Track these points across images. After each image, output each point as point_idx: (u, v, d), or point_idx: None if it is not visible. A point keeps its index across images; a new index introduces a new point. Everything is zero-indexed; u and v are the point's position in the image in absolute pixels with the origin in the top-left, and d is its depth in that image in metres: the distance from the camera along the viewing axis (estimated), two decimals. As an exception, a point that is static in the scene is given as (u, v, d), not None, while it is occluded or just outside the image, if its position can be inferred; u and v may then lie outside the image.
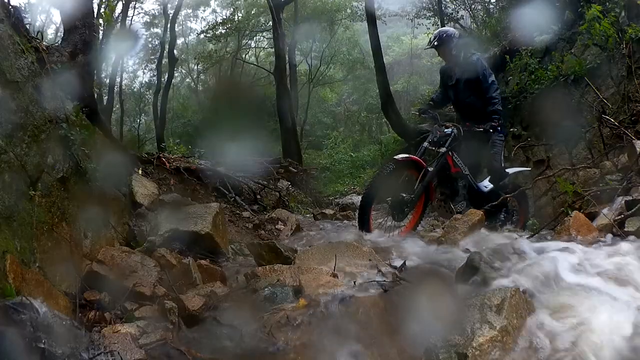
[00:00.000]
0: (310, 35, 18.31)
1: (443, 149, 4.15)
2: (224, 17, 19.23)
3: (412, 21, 15.13)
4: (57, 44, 4.06)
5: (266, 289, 2.28)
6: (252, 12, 19.11)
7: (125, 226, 3.45)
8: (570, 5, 6.62)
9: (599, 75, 5.46)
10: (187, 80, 24.59)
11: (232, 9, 19.17)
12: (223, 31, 18.02)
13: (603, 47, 5.39)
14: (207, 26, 18.49)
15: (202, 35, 18.93)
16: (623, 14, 5.52)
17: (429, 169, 4.10)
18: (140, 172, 4.85)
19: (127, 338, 1.81)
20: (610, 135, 4.58)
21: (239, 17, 18.76)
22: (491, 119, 4.13)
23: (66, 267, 2.28)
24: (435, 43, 4.27)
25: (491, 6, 12.40)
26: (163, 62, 17.83)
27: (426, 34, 13.07)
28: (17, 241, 2.04)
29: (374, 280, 2.50)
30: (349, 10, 17.96)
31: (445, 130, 4.23)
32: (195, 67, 22.15)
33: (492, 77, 4.25)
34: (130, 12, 17.76)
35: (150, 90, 19.97)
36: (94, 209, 2.90)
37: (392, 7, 14.83)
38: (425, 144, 4.25)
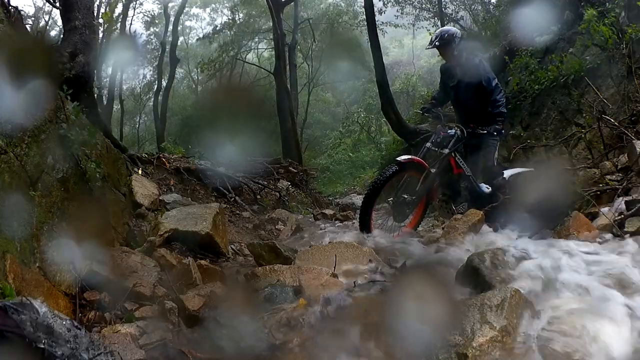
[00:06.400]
0: (311, 36, 18.28)
1: (446, 151, 4.11)
2: (225, 17, 19.24)
3: (413, 26, 15.14)
4: (57, 44, 4.07)
5: (266, 289, 2.28)
6: (253, 13, 19.09)
7: (125, 226, 3.45)
8: (570, 6, 6.63)
9: (599, 75, 5.45)
10: (186, 80, 24.59)
11: (231, 11, 19.17)
12: (224, 33, 18.03)
13: (603, 47, 5.39)
14: (208, 32, 18.49)
15: (202, 39, 18.93)
16: (623, 14, 5.52)
17: (432, 171, 4.07)
18: (140, 172, 4.86)
19: (127, 338, 1.81)
20: (610, 135, 4.57)
21: (239, 19, 18.75)
22: (495, 121, 4.08)
23: (66, 267, 2.28)
24: (437, 43, 4.19)
25: (491, 6, 12.40)
26: (163, 62, 17.84)
27: (428, 34, 13.06)
28: (17, 241, 2.03)
29: (374, 280, 2.50)
30: (356, 20, 17.73)
31: (449, 131, 4.19)
32: (196, 68, 22.15)
33: (496, 80, 4.17)
34: (130, 13, 17.80)
35: (151, 91, 19.97)
36: (94, 209, 2.90)
37: (390, 18, 14.73)
38: (428, 144, 4.21)
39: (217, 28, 18.54)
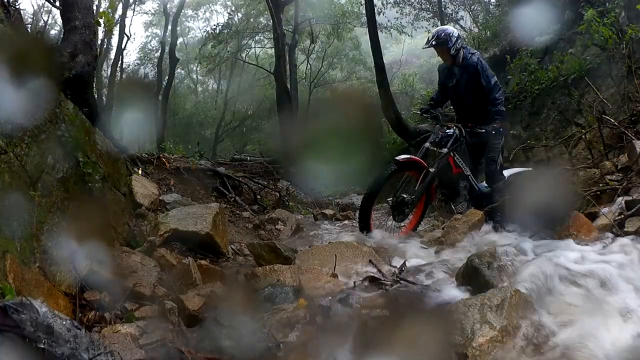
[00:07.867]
0: (314, 35, 18.26)
1: (444, 150, 4.12)
2: (224, 17, 19.22)
3: (412, 25, 15.14)
4: (57, 44, 4.06)
5: (266, 289, 2.28)
6: (253, 12, 19.08)
7: (125, 226, 3.45)
8: (570, 5, 6.63)
9: (599, 75, 5.46)
10: (186, 80, 24.59)
11: (231, 11, 19.16)
12: (224, 32, 18.01)
13: (603, 47, 5.40)
14: (208, 30, 18.46)
15: (203, 37, 18.90)
16: (623, 14, 5.52)
17: (430, 170, 4.08)
18: (140, 172, 4.86)
19: (127, 338, 1.81)
20: (610, 135, 4.58)
21: (239, 19, 18.73)
22: (494, 119, 4.09)
23: (66, 267, 2.28)
24: (434, 42, 4.19)
25: (491, 6, 12.41)
26: (163, 62, 17.83)
27: (426, 34, 13.07)
28: (17, 241, 2.03)
29: (374, 280, 2.50)
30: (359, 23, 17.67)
31: (447, 130, 4.19)
32: (195, 68, 22.16)
33: (495, 78, 4.17)
34: (129, 13, 17.80)
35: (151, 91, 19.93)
36: (94, 209, 2.90)
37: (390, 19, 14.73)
38: (427, 144, 4.22)
39: (216, 26, 18.51)
